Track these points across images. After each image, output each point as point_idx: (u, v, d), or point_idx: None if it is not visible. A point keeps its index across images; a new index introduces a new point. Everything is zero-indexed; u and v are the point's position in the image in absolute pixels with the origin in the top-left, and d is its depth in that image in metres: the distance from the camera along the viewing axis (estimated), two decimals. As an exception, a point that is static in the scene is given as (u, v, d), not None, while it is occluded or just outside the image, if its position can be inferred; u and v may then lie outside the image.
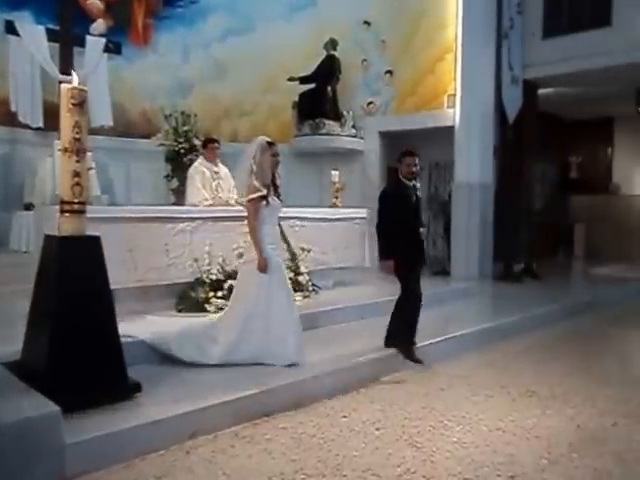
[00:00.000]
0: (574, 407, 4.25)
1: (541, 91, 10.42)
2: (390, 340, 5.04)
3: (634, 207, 13.45)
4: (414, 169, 4.91)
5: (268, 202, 4.41)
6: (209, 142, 6.91)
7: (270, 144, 4.51)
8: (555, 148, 13.61)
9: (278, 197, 4.57)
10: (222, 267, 5.80)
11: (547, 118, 12.21)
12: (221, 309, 5.56)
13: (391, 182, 5.11)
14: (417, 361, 4.92)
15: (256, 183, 4.36)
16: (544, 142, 11.53)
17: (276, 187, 4.57)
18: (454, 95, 9.52)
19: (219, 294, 5.66)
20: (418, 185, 5.07)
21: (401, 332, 4.99)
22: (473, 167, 9.29)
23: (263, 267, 4.35)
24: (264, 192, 4.36)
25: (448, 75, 9.69)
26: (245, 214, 4.53)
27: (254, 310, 4.39)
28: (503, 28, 9.37)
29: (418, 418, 3.98)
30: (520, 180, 9.95)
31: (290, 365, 4.38)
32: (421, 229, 5.04)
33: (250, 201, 4.38)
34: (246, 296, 4.45)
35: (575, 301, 7.99)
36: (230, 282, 5.68)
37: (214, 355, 4.39)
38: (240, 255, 5.91)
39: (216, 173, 6.72)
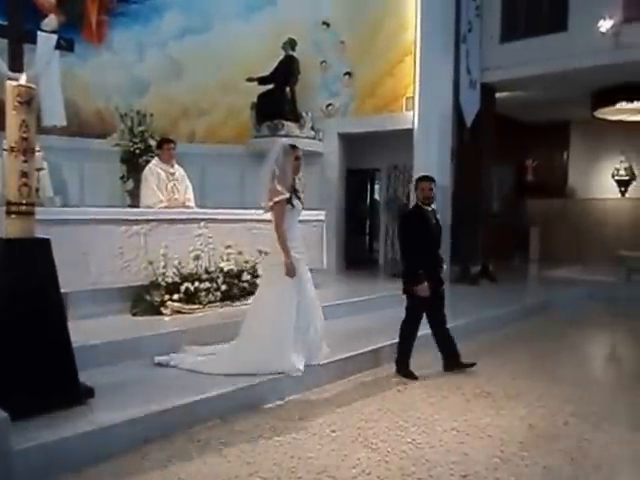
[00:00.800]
0: (526, 407, 4.31)
1: (499, 94, 10.62)
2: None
3: (589, 211, 13.83)
4: (430, 193, 4.95)
5: (292, 205, 4.42)
6: (164, 142, 6.77)
7: (293, 147, 4.52)
8: (512, 151, 13.89)
9: (300, 200, 4.57)
10: (178, 270, 5.72)
11: (505, 121, 12.46)
12: (177, 312, 5.50)
13: (411, 208, 5.19)
14: (409, 376, 4.92)
15: (279, 187, 4.35)
16: (501, 145, 11.75)
17: (296, 190, 4.56)
18: (413, 98, 9.58)
19: (175, 297, 5.60)
20: (434, 207, 5.09)
21: (400, 350, 5.05)
22: (431, 169, 9.20)
23: (291, 272, 4.35)
24: (287, 195, 4.36)
25: (407, 78, 9.75)
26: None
27: (282, 319, 4.37)
28: (461, 32, 9.52)
29: (374, 420, 3.97)
30: (477, 183, 10.11)
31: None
32: (442, 263, 5.13)
33: (276, 204, 4.37)
34: (272, 305, 4.42)
35: (529, 303, 8.18)
36: (186, 284, 5.62)
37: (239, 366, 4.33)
38: (197, 257, 5.86)
39: (172, 174, 6.58)
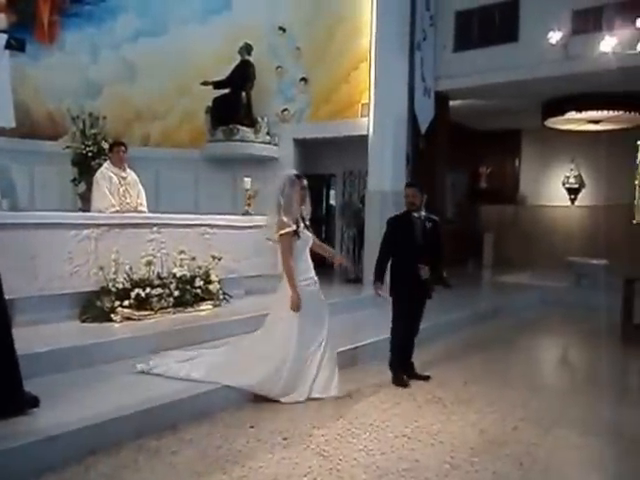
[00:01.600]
0: (478, 412, 4.36)
1: (453, 102, 10.79)
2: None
3: (539, 217, 14.20)
4: (411, 199, 4.98)
5: (299, 236, 4.37)
6: (115, 145, 6.63)
7: (298, 177, 4.47)
8: (466, 158, 14.16)
9: (307, 228, 4.52)
10: (129, 275, 5.59)
11: (459, 129, 12.69)
12: (128, 319, 5.38)
13: (399, 213, 5.22)
14: (401, 385, 4.90)
15: (284, 218, 4.31)
16: (456, 152, 11.95)
17: (304, 220, 4.52)
18: (368, 104, 9.65)
19: (126, 303, 5.48)
20: (425, 214, 5.06)
21: (392, 356, 5.04)
22: (386, 175, 9.45)
23: (296, 305, 4.31)
24: (294, 227, 4.31)
25: (362, 84, 9.82)
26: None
27: (286, 351, 4.34)
28: (416, 40, 9.63)
29: (326, 426, 3.95)
30: (432, 189, 10.20)
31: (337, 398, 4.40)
32: (422, 267, 4.92)
33: (282, 237, 4.31)
34: (279, 335, 4.39)
35: (483, 308, 8.31)
36: (137, 290, 5.50)
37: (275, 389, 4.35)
38: (149, 263, 5.73)
39: (123, 178, 6.45)
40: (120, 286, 5.48)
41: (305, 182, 4.50)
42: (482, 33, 9.67)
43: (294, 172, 4.54)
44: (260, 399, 4.33)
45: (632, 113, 10.39)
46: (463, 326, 7.33)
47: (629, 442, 3.93)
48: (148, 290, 5.54)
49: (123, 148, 6.52)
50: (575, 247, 12.78)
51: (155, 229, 5.98)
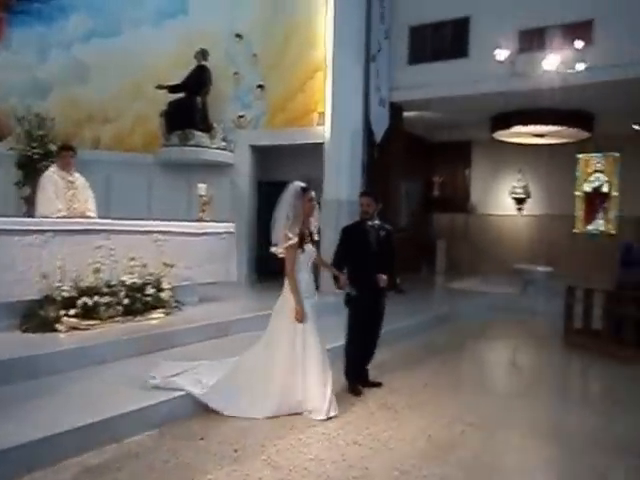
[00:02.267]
0: (427, 417, 4.44)
1: (407, 113, 11.00)
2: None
3: (489, 225, 14.60)
4: (365, 208, 5.00)
5: (303, 249, 4.33)
6: (63, 150, 6.43)
7: (305, 190, 4.39)
8: (420, 167, 14.44)
9: (313, 241, 4.46)
10: (76, 283, 5.44)
11: (413, 139, 12.94)
12: (74, 328, 5.22)
13: (353, 222, 5.21)
14: (356, 393, 4.89)
15: (289, 231, 4.27)
16: (410, 162, 12.18)
17: (311, 233, 4.46)
18: (324, 113, 9.72)
19: (71, 312, 5.31)
20: (379, 222, 5.06)
21: (348, 366, 5.04)
22: (342, 184, 9.53)
23: (300, 317, 4.28)
24: (296, 240, 4.27)
25: (319, 93, 9.87)
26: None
27: (291, 364, 4.29)
28: (371, 52, 9.77)
29: (278, 437, 3.94)
30: (386, 197, 10.37)
31: (328, 419, 4.26)
32: (380, 276, 4.93)
33: (286, 249, 4.28)
34: (282, 348, 4.32)
35: (433, 314, 8.45)
36: (84, 299, 5.35)
37: (266, 409, 4.27)
38: (97, 270, 5.60)
39: (71, 182, 6.27)
40: (66, 294, 5.30)
41: (312, 194, 4.45)
42: (435, 48, 9.93)
43: (301, 184, 4.43)
44: (210, 409, 4.28)
45: (573, 128, 10.87)
46: (415, 332, 7.45)
47: (570, 443, 4.09)
48: (96, 298, 5.40)
49: (71, 153, 6.34)
50: (522, 255, 13.21)
51: (104, 235, 5.84)
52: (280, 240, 4.34)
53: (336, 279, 4.84)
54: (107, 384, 4.36)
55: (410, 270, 12.02)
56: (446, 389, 5.22)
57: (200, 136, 9.99)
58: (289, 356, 4.30)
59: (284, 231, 4.30)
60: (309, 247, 4.41)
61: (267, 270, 11.25)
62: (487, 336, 8.11)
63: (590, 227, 13.61)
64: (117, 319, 5.59)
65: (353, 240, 5.01)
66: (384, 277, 4.92)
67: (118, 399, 4.00)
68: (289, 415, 4.29)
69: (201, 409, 4.27)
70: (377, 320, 5.13)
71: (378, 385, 5.14)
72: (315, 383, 4.29)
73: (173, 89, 10.08)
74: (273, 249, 4.44)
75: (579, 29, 8.57)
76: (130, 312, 5.74)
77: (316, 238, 4.51)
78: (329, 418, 4.24)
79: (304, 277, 4.41)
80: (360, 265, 4.94)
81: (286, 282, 4.39)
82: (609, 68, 8.36)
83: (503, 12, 9.17)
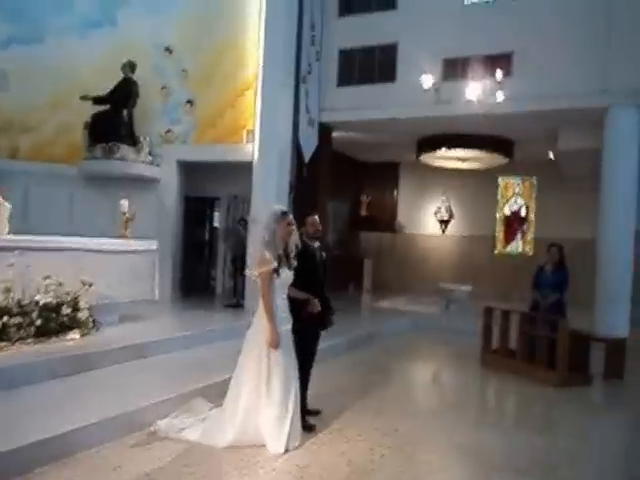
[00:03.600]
0: (348, 441, 4.45)
1: (336, 134, 11.18)
2: None
3: (414, 245, 15.02)
4: (316, 228, 4.85)
5: (278, 274, 4.18)
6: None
7: (284, 213, 4.29)
8: (348, 187, 14.69)
9: (290, 266, 4.30)
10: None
11: (342, 159, 13.15)
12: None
13: None
14: (306, 428, 4.57)
15: (267, 254, 4.13)
16: (338, 181, 12.36)
17: (288, 257, 4.30)
18: (253, 131, 9.72)
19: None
20: (318, 245, 4.91)
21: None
22: (270, 201, 9.43)
23: (275, 343, 4.14)
24: (274, 265, 4.14)
25: (248, 111, 9.88)
26: None
27: (256, 392, 4.16)
28: (302, 72, 9.91)
29: (196, 464, 3.84)
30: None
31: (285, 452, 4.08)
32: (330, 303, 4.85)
33: (262, 274, 4.13)
34: (248, 375, 4.19)
35: (357, 334, 8.51)
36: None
37: (226, 438, 4.14)
38: (7, 290, 5.30)
39: (-18, 195, 5.93)
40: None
41: (291, 218, 4.35)
42: (363, 71, 10.21)
43: (281, 208, 4.38)
44: (127, 437, 4.13)
45: (493, 153, 11.42)
46: (340, 352, 7.48)
47: (486, 461, 4.21)
48: (5, 319, 5.10)
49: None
50: (445, 274, 13.66)
51: (17, 252, 5.53)
52: (255, 263, 4.26)
53: (305, 304, 4.57)
54: (12, 411, 4.11)
55: (337, 288, 12.11)
56: (368, 411, 5.25)
57: (125, 149, 9.73)
58: (254, 384, 4.19)
59: (262, 253, 4.21)
60: (285, 272, 4.30)
61: (193, 287, 11.08)
62: (409, 356, 8.26)
63: (509, 248, 14.28)
64: (28, 341, 5.29)
65: (304, 263, 4.64)
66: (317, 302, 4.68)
67: (26, 426, 3.78)
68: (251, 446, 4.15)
69: (118, 436, 4.10)
70: (316, 345, 4.99)
71: (316, 413, 4.95)
72: (272, 415, 4.16)
73: (98, 100, 9.79)
74: (248, 272, 4.38)
75: (500, 61, 9.07)
76: (43, 333, 5.46)
77: (294, 263, 4.38)
78: (286, 451, 4.12)
79: (278, 303, 4.30)
80: (309, 289, 4.65)
81: (259, 306, 4.27)
82: (527, 99, 8.87)
83: (429, 40, 9.58)
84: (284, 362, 4.23)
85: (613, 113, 8.74)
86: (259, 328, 4.23)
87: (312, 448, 4.24)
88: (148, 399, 4.55)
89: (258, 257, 4.24)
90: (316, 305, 4.59)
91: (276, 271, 4.21)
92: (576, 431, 5.15)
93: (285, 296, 4.37)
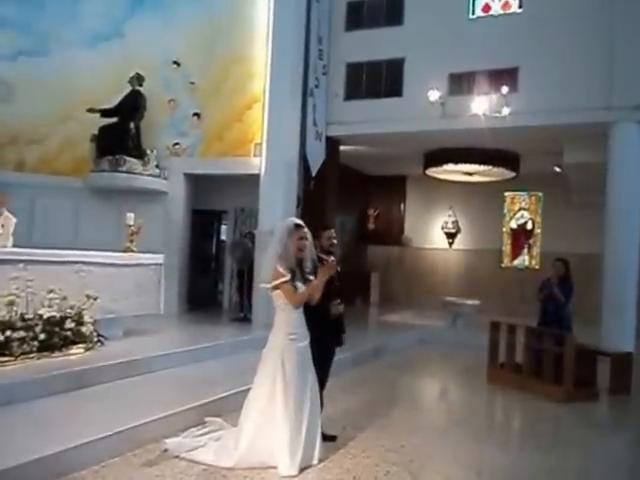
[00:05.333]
0: (353, 458, 4.38)
1: (343, 147, 11.19)
2: None
3: (422, 258, 14.95)
4: (334, 241, 4.80)
5: (295, 287, 4.11)
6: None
7: (297, 226, 4.22)
8: (355, 200, 14.68)
9: (305, 280, 4.21)
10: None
11: (349, 172, 13.15)
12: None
13: None
14: (327, 439, 4.51)
15: (280, 268, 4.07)
16: (345, 194, 12.34)
17: (302, 271, 4.24)
18: (261, 144, 9.74)
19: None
20: (332, 259, 4.67)
21: None
22: (277, 215, 9.43)
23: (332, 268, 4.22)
24: (287, 277, 4.07)
25: (256, 124, 9.91)
26: None
27: (268, 404, 4.06)
28: (309, 86, 9.93)
29: (195, 481, 3.78)
30: (321, 230, 10.44)
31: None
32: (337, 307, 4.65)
33: (279, 286, 4.09)
34: (262, 388, 4.11)
35: (364, 349, 8.43)
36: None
37: (236, 458, 4.04)
38: (11, 303, 5.28)
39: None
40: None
41: (305, 231, 4.28)
42: (370, 85, 10.22)
43: (295, 221, 4.31)
44: (129, 453, 4.07)
45: (500, 168, 11.39)
46: (345, 368, 7.38)
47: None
48: (8, 333, 5.06)
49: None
50: (452, 288, 13.58)
51: (21, 265, 5.51)
52: (269, 277, 4.15)
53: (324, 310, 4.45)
54: (13, 427, 4.07)
55: (345, 302, 12.03)
56: (373, 427, 5.18)
57: (132, 162, 9.77)
58: (267, 403, 4.09)
59: (275, 266, 4.12)
60: (300, 286, 4.21)
61: (200, 300, 11.06)
62: (415, 371, 8.18)
63: (516, 262, 14.19)
64: (32, 355, 5.26)
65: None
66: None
67: (25, 444, 3.71)
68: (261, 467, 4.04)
69: (120, 453, 4.04)
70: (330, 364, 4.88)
71: (332, 439, 4.74)
72: (285, 435, 4.04)
73: (105, 113, 9.85)
74: (262, 285, 4.32)
75: (505, 76, 9.07)
76: (46, 347, 5.42)
77: (310, 278, 4.27)
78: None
79: (295, 317, 4.21)
80: (325, 303, 4.52)
81: (276, 319, 4.22)
82: (531, 114, 8.85)
83: (436, 55, 9.60)
84: (299, 380, 4.14)
85: (618, 128, 8.71)
86: (273, 344, 4.17)
87: (316, 465, 4.18)
88: (153, 414, 4.48)
89: (272, 271, 4.15)
90: (337, 306, 4.56)
91: (292, 282, 4.12)
92: (582, 448, 5.05)
93: (301, 311, 4.27)
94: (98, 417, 4.38)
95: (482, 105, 8.77)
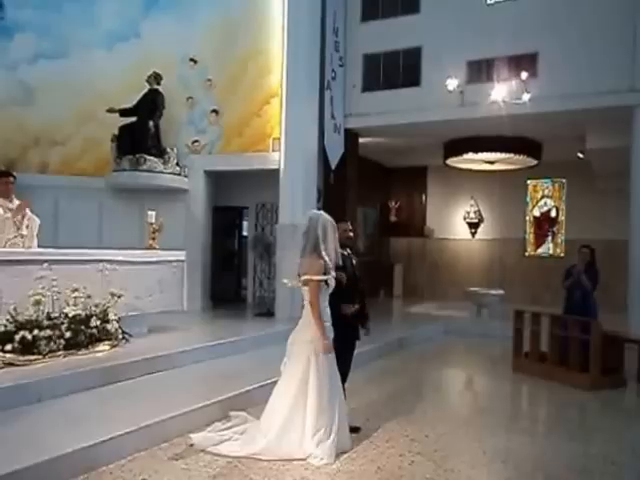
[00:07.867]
0: (377, 448, 4.39)
1: (363, 139, 11.12)
2: None
3: (444, 249, 14.82)
4: (351, 234, 4.80)
5: (327, 284, 4.14)
6: (1, 177, 6.18)
7: (340, 222, 4.31)
8: (376, 193, 14.61)
9: (337, 270, 4.25)
10: (13, 316, 5.18)
11: (369, 164, 13.09)
12: (10, 364, 4.98)
13: None
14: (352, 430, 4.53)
15: (322, 261, 4.09)
16: (366, 187, 12.29)
17: (338, 265, 4.28)
18: (279, 139, 9.74)
19: (8, 347, 5.06)
20: (348, 252, 4.75)
21: None
22: (297, 209, 9.48)
23: (327, 349, 4.09)
24: (326, 277, 4.10)
25: (274, 119, 9.91)
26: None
27: (298, 396, 4.09)
28: (326, 79, 9.89)
29: (222, 475, 3.81)
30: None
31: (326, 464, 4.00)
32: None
33: (312, 281, 4.09)
34: (293, 381, 4.14)
35: (388, 340, 8.41)
36: (23, 333, 5.11)
37: (257, 447, 4.09)
38: (37, 302, 5.37)
39: (10, 210, 6.03)
40: (2, 329, 5.06)
41: (348, 226, 4.44)
42: (388, 76, 10.13)
43: (328, 216, 4.26)
44: (155, 447, 4.12)
45: (521, 155, 11.20)
46: (371, 358, 7.39)
47: (519, 470, 4.09)
48: (36, 332, 5.15)
49: (11, 179, 6.12)
50: (476, 278, 13.44)
51: (46, 265, 5.61)
52: (305, 268, 4.14)
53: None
54: (43, 423, 4.15)
55: (368, 294, 12.00)
56: (396, 419, 5.16)
57: (153, 161, 9.84)
58: (298, 395, 4.10)
59: (317, 260, 4.10)
60: (332, 281, 4.21)
61: (223, 296, 11.14)
62: (441, 362, 8.14)
63: (540, 250, 13.99)
64: (59, 353, 5.35)
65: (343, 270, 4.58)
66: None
67: (51, 440, 3.78)
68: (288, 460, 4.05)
69: (145, 446, 4.10)
70: (349, 358, 4.85)
71: (356, 430, 4.74)
72: (320, 425, 4.08)
73: (124, 113, 9.94)
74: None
75: (524, 61, 8.90)
76: (73, 345, 5.51)
77: (333, 273, 4.23)
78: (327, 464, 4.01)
79: (324, 310, 4.23)
80: (343, 298, 4.57)
81: (305, 312, 4.22)
82: (552, 99, 8.68)
83: (453, 43, 9.45)
84: (332, 370, 4.18)
85: (641, 112, 8.50)
86: (304, 337, 4.16)
87: (342, 456, 4.18)
88: (178, 409, 4.54)
89: (309, 265, 4.11)
90: (348, 307, 4.56)
91: (326, 282, 4.13)
92: (609, 436, 4.97)
93: (327, 304, 4.28)
94: (125, 412, 4.43)
95: (501, 92, 8.63)
